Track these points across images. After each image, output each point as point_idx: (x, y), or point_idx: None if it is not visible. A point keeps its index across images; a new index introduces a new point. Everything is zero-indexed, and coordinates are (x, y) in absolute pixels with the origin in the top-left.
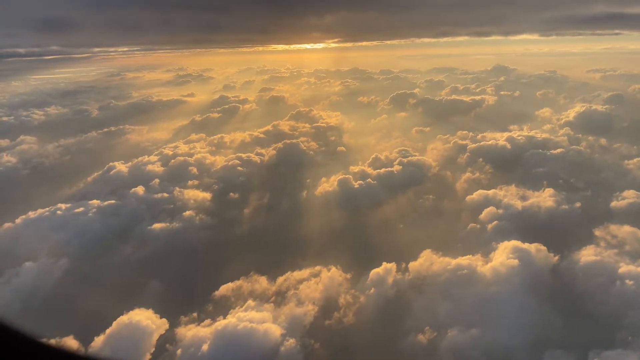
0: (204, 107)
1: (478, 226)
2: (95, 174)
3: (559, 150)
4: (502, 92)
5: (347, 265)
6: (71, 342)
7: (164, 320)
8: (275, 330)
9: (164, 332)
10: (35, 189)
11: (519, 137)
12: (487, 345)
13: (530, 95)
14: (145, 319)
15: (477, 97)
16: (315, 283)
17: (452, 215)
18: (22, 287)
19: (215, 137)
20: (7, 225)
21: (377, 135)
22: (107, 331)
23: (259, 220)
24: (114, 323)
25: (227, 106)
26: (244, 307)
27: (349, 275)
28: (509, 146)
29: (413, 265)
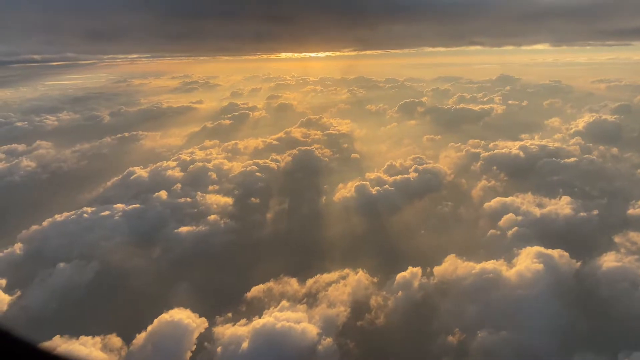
0: (214, 114)
1: (498, 232)
2: (115, 178)
3: (572, 159)
4: (509, 102)
5: (372, 269)
6: (114, 340)
7: (203, 319)
8: (312, 330)
9: (203, 330)
10: (56, 192)
11: (532, 146)
12: (517, 346)
13: (537, 105)
14: (185, 318)
15: (486, 106)
16: (344, 285)
17: (471, 221)
18: (57, 287)
19: (229, 143)
20: (34, 227)
21: (388, 142)
22: (149, 329)
23: (281, 225)
24: (155, 321)
25: (237, 113)
26: (278, 307)
27: (375, 279)
28: (522, 155)
29: (438, 269)
